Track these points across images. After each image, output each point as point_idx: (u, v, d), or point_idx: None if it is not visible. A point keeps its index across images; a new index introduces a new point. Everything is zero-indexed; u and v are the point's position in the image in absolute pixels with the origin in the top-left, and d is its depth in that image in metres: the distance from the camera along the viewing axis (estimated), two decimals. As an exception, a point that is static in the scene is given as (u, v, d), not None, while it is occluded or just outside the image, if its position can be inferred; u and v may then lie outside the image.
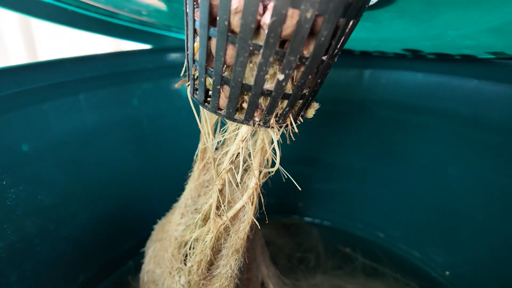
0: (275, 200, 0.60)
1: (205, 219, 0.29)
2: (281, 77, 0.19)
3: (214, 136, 0.28)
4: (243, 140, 0.23)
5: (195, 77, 0.22)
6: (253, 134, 0.26)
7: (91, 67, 0.41)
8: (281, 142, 0.26)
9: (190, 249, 0.30)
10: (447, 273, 0.46)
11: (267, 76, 0.19)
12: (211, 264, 0.30)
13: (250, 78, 0.20)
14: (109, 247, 0.46)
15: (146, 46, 0.50)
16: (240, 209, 0.28)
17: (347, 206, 0.56)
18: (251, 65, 0.19)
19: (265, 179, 0.27)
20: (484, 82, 0.40)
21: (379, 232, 0.53)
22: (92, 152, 0.42)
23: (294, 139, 0.24)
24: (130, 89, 0.45)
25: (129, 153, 0.46)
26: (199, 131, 0.28)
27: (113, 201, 0.45)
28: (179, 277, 0.30)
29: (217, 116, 0.23)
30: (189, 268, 0.29)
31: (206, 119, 0.25)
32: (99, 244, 0.44)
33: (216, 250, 0.29)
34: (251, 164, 0.27)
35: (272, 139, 0.25)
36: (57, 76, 0.38)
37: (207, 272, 0.30)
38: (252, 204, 0.28)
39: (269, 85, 0.20)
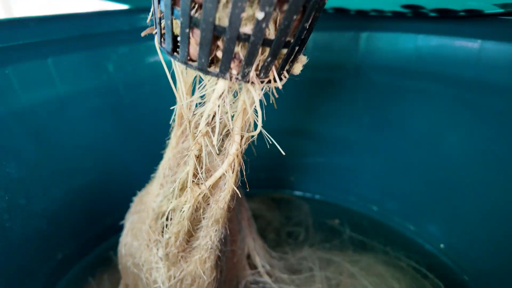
0: (266, 174, 0.59)
1: (183, 189, 0.27)
2: (260, 15, 0.16)
3: (192, 96, 0.26)
4: (220, 98, 0.21)
5: (161, 20, 0.19)
6: (235, 95, 0.24)
7: (60, 27, 0.38)
8: (265, 104, 0.24)
9: (167, 220, 0.28)
10: (442, 245, 0.45)
11: (244, 15, 0.17)
12: (190, 235, 0.28)
13: (224, 18, 0.17)
14: (89, 223, 0.44)
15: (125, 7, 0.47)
16: (220, 178, 0.26)
17: (340, 180, 0.54)
18: (224, 0, 0.16)
19: (246, 144, 0.25)
20: (489, 42, 0.38)
21: (373, 205, 0.52)
22: (64, 122, 0.39)
23: (277, 96, 0.22)
24: (105, 53, 0.42)
25: (106, 124, 0.43)
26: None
27: (91, 175, 0.43)
28: (157, 249, 0.29)
29: (194, 72, 0.21)
30: (166, 240, 0.28)
31: (179, 74, 0.23)
32: (78, 220, 0.43)
33: (196, 221, 0.28)
34: (232, 128, 0.25)
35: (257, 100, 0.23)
36: (21, 36, 0.35)
37: (186, 244, 0.28)
38: (233, 172, 0.26)
39: (247, 28, 0.18)
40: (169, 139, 0.31)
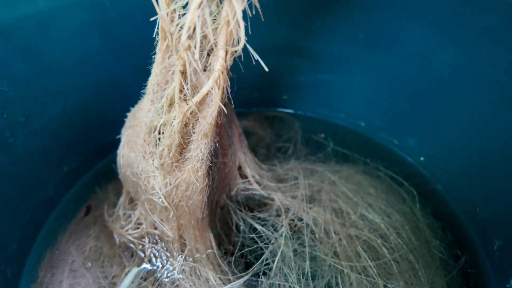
0: (259, 93, 0.59)
1: (171, 104, 0.28)
2: None
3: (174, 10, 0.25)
4: (199, 7, 0.20)
5: None
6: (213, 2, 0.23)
7: None
8: (250, 15, 0.23)
9: (160, 134, 0.29)
10: (422, 158, 0.48)
11: None
12: (182, 148, 0.30)
13: None
14: (89, 139, 0.46)
15: None
16: (207, 94, 0.27)
17: (331, 97, 0.55)
18: None
19: (232, 59, 0.25)
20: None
21: (361, 121, 0.53)
22: (50, 39, 0.38)
23: (258, 6, 0.21)
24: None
25: (94, 39, 0.42)
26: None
27: (85, 92, 0.44)
28: (152, 160, 0.31)
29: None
30: (160, 151, 0.29)
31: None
32: (78, 136, 0.44)
33: (187, 135, 0.29)
34: (215, 43, 0.24)
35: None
36: None
37: (179, 156, 0.30)
38: (218, 88, 0.26)
39: None
40: (155, 54, 0.31)
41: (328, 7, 0.48)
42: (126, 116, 0.37)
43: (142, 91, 0.36)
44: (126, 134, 0.36)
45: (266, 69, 0.22)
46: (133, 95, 0.38)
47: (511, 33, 0.35)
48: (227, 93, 0.27)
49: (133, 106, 0.36)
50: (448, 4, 0.39)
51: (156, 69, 0.30)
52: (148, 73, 0.34)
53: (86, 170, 0.47)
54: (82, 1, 0.40)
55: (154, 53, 0.33)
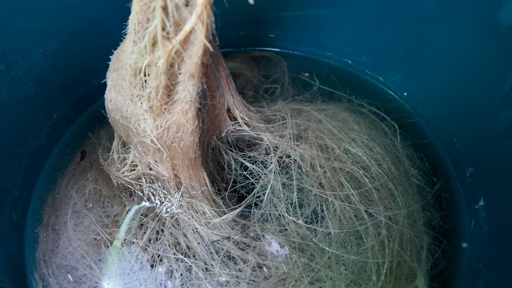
0: (245, 32, 0.56)
1: (155, 44, 0.27)
2: None
3: None
4: None
5: None
6: None
7: None
8: None
9: (145, 76, 0.29)
10: (405, 94, 0.48)
11: None
12: (169, 90, 0.29)
13: None
14: (76, 84, 0.45)
15: None
16: (190, 32, 0.26)
17: (319, 35, 0.53)
18: None
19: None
20: None
21: (348, 59, 0.52)
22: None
23: None
24: None
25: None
26: None
27: (65, 36, 0.41)
28: (141, 103, 0.30)
29: None
30: (148, 94, 0.29)
31: None
32: (63, 82, 0.43)
33: (173, 76, 0.29)
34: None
35: None
36: None
37: (168, 98, 0.30)
38: (202, 25, 0.25)
39: None
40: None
41: None
42: (109, 60, 0.35)
43: (123, 32, 0.34)
44: (111, 78, 0.34)
45: (252, 1, 0.21)
46: (115, 37, 0.36)
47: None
48: (211, 30, 0.26)
49: (116, 48, 0.35)
50: None
51: (136, 6, 0.28)
52: (129, 13, 0.32)
53: (76, 116, 0.46)
54: None
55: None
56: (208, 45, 0.25)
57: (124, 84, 0.32)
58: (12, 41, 0.36)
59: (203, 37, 0.25)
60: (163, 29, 0.24)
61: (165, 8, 0.24)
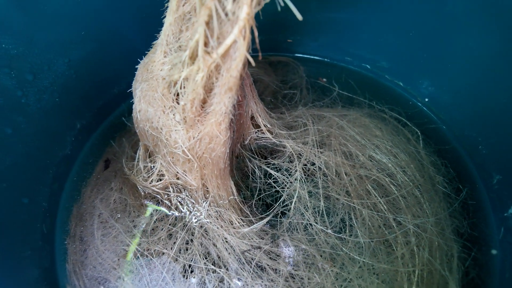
0: (263, 37, 0.56)
1: (193, 57, 0.26)
2: None
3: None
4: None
5: None
6: None
7: None
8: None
9: (180, 88, 0.28)
10: (427, 99, 0.48)
11: None
12: (204, 102, 0.29)
13: None
14: (98, 93, 0.44)
15: None
16: (230, 45, 0.25)
17: (339, 40, 0.52)
18: None
19: (259, 7, 0.23)
20: None
21: (367, 64, 0.52)
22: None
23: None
24: None
25: (91, -13, 0.38)
26: None
27: (89, 46, 0.41)
28: (173, 114, 0.30)
29: None
30: (182, 106, 0.29)
31: None
32: (86, 91, 0.42)
33: (209, 89, 0.28)
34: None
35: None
36: None
37: (201, 110, 0.29)
38: (244, 38, 0.25)
39: None
40: (168, 1, 0.28)
41: None
42: (130, 68, 0.35)
43: (145, 41, 0.34)
44: (140, 88, 0.34)
45: (300, 17, 0.21)
46: (137, 46, 0.36)
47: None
48: (252, 44, 0.25)
49: (137, 57, 0.34)
50: None
51: (170, 18, 0.28)
52: (150, 23, 0.32)
53: (98, 125, 0.45)
54: None
55: (155, 2, 0.30)
56: (250, 58, 0.25)
57: (156, 96, 0.31)
58: (39, 51, 0.35)
59: (245, 50, 0.25)
60: (206, 44, 0.24)
61: (207, 23, 0.24)
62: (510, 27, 0.37)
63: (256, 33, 0.25)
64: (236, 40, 0.24)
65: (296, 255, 0.35)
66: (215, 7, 0.22)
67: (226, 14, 0.23)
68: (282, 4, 0.23)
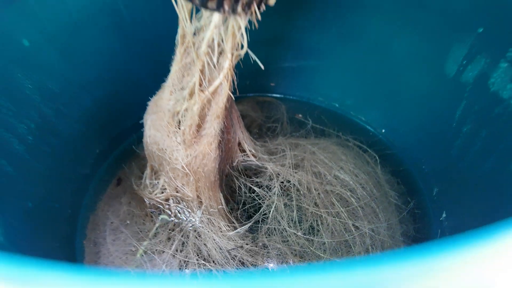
0: (251, 81, 0.66)
1: (191, 94, 0.35)
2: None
3: (191, 22, 0.32)
4: (216, 27, 0.28)
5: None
6: (225, 21, 0.30)
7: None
8: (249, 28, 0.31)
9: (181, 117, 0.37)
10: (383, 130, 0.57)
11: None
12: (199, 127, 0.38)
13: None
14: (114, 125, 0.53)
15: None
16: (218, 86, 0.35)
17: (311, 82, 0.63)
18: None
19: (237, 60, 0.33)
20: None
21: (335, 102, 0.62)
22: (82, 41, 0.44)
23: (257, 26, 0.29)
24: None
25: (115, 42, 0.48)
26: (175, 17, 0.32)
27: (110, 85, 0.50)
28: (176, 137, 0.39)
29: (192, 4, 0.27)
30: (182, 131, 0.37)
31: (182, 6, 0.29)
32: (105, 123, 0.51)
33: (203, 117, 0.37)
34: (224, 48, 0.32)
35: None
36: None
37: (197, 133, 0.38)
38: (227, 81, 0.34)
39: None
40: (174, 54, 0.38)
41: (306, 8, 0.55)
42: (141, 104, 0.43)
43: (155, 83, 0.42)
44: (150, 119, 0.43)
45: (262, 67, 0.30)
46: (148, 86, 0.45)
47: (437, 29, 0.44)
48: (233, 84, 0.35)
49: (148, 95, 0.43)
50: (395, 6, 0.47)
51: (175, 67, 0.38)
52: (158, 67, 0.41)
53: (113, 151, 0.54)
54: (104, 9, 0.46)
55: (161, 51, 0.39)
56: (231, 95, 0.34)
57: (162, 124, 0.40)
58: (73, 90, 0.44)
59: (227, 89, 0.34)
60: (200, 84, 0.33)
61: (202, 70, 0.33)
62: (435, 74, 0.46)
63: (236, 80, 0.34)
64: (222, 82, 0.33)
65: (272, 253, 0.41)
66: (207, 61, 0.31)
67: (214, 66, 0.33)
68: (254, 58, 0.32)
